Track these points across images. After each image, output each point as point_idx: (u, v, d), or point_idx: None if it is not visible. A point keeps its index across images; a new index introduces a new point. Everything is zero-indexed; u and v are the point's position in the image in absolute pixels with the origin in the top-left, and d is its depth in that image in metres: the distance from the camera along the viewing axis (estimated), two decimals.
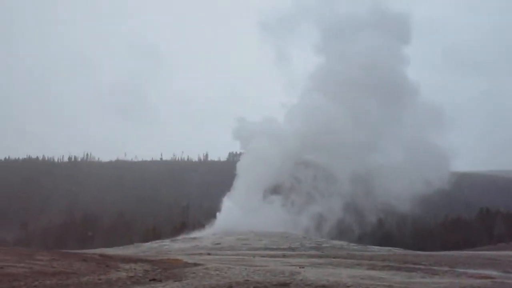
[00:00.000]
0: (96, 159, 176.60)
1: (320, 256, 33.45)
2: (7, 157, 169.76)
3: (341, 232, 66.04)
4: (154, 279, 17.43)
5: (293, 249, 45.55)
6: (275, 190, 68.51)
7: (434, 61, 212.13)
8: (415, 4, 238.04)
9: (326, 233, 64.30)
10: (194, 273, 19.24)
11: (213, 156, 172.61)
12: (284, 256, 33.70)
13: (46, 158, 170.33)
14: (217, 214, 67.03)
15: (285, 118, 74.33)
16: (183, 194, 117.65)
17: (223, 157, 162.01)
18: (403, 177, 66.77)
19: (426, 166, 68.08)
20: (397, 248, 53.84)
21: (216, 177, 75.30)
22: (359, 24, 74.97)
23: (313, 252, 42.27)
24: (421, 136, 72.61)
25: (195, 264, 22.90)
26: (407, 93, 73.11)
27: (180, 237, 61.80)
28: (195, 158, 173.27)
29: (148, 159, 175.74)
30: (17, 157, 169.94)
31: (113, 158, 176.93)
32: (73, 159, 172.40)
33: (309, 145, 70.32)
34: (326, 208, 67.09)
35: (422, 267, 24.98)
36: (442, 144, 72.63)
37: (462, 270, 23.76)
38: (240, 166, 69.55)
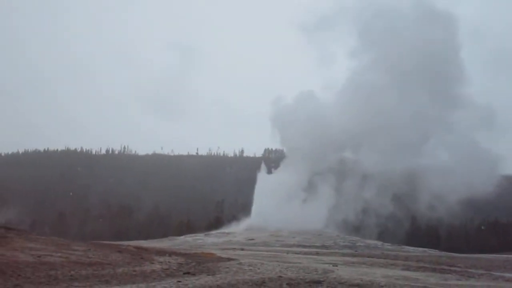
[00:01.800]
0: (133, 152, 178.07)
1: (353, 255, 33.29)
2: (46, 149, 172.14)
3: (378, 232, 65.56)
4: (188, 273, 17.54)
5: (326, 247, 45.41)
6: (312, 186, 67.72)
7: (482, 61, 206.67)
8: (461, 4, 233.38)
9: (360, 232, 63.77)
10: (227, 267, 19.31)
11: (248, 152, 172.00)
12: (317, 253, 33.65)
13: (84, 150, 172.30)
14: (252, 209, 66.99)
15: (329, 111, 72.55)
16: (218, 189, 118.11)
17: (259, 153, 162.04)
18: (449, 179, 65.47)
19: (473, 169, 66.43)
20: (432, 250, 53.26)
21: (251, 173, 74.99)
22: (405, 19, 73.29)
23: (346, 250, 42.07)
24: (470, 137, 70.69)
25: (229, 259, 22.99)
26: (460, 92, 71.17)
27: (214, 231, 62.05)
28: (230, 153, 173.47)
29: (184, 153, 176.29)
30: (56, 149, 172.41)
31: (150, 152, 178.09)
32: (110, 151, 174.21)
33: (353, 139, 69.39)
34: (363, 208, 66.19)
35: (458, 269, 24.67)
36: (492, 146, 71.13)
37: (498, 274, 23.39)
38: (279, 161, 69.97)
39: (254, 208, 66.20)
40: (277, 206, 61.57)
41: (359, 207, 66.10)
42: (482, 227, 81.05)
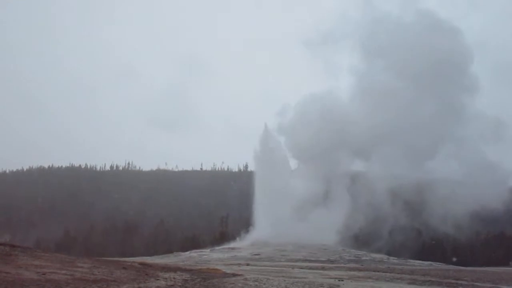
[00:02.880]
0: (138, 168, 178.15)
1: (359, 269, 33.14)
2: (50, 165, 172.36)
3: (382, 244, 65.22)
4: None
5: (332, 261, 45.25)
6: (316, 199, 67.05)
7: (490, 73, 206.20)
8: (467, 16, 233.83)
9: (364, 245, 63.45)
10: (233, 283, 19.24)
11: (253, 167, 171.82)
12: (323, 268, 33.50)
13: (89, 167, 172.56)
14: (255, 224, 66.64)
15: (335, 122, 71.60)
16: (222, 204, 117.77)
17: None
18: (458, 190, 65.09)
19: (482, 181, 66.00)
20: (438, 263, 52.99)
21: None
22: (411, 31, 72.87)
23: (352, 265, 41.91)
24: (479, 149, 70.09)
25: (234, 275, 22.92)
26: (469, 102, 70.68)
27: (219, 247, 61.87)
28: (235, 168, 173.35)
29: (189, 168, 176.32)
30: (60, 165, 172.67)
31: (154, 167, 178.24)
32: (114, 167, 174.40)
33: (362, 147, 68.68)
34: (369, 220, 65.62)
35: (464, 282, 24.54)
36: (500, 159, 70.70)
37: (505, 287, 23.26)
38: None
39: (258, 223, 65.86)
40: (282, 220, 61.12)
41: (366, 220, 65.66)
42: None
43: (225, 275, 22.86)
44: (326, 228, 61.47)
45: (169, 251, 65.38)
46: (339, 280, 22.22)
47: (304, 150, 68.88)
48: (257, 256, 47.96)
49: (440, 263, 53.56)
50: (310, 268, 33.24)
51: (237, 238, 68.91)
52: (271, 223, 61.40)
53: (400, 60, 69.58)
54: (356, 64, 76.32)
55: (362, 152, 69.25)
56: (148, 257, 53.31)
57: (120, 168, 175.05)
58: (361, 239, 65.73)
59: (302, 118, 70.77)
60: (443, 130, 68.79)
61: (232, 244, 64.36)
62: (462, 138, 69.87)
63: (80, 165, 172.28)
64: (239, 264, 35.24)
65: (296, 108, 73.53)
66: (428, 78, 68.80)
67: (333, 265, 40.46)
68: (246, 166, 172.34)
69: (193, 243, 76.27)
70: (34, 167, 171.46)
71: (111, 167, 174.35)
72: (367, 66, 72.89)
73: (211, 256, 49.51)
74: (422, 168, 68.31)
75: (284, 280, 20.68)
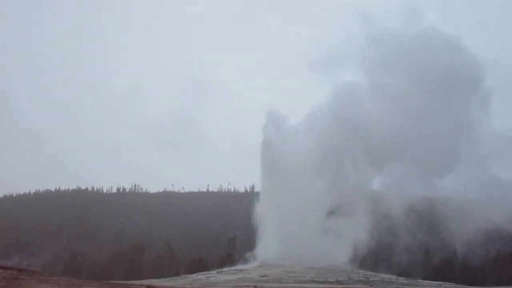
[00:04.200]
0: (144, 190, 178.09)
1: None
2: (57, 188, 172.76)
3: (390, 264, 64.65)
4: None
5: (340, 282, 44.88)
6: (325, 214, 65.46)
7: (501, 91, 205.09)
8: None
9: (371, 265, 62.73)
10: None
11: (259, 188, 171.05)
12: None
13: (95, 189, 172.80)
14: (261, 243, 65.55)
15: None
16: (229, 225, 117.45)
17: None
18: (469, 209, 64.39)
19: (494, 199, 65.23)
20: (448, 283, 52.52)
21: None
22: (417, 47, 71.91)
23: (360, 285, 41.69)
24: (492, 167, 69.16)
25: None
26: (481, 118, 69.83)
27: (227, 268, 61.34)
28: (241, 189, 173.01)
29: (195, 190, 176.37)
30: (67, 188, 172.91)
31: (161, 189, 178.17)
32: (121, 190, 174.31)
33: (371, 163, 67.09)
34: (379, 238, 64.48)
35: None
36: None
37: None
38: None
39: (264, 242, 64.65)
40: (290, 238, 59.69)
41: (376, 239, 64.70)
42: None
43: None
44: (335, 247, 60.19)
45: (176, 273, 65.04)
46: None
47: (313, 161, 66.97)
48: (265, 278, 47.54)
49: (450, 283, 53.08)
50: None
51: (245, 259, 68.18)
52: (279, 241, 60.20)
53: (409, 75, 68.80)
54: (362, 79, 75.00)
55: (374, 165, 68.08)
56: (156, 279, 52.98)
57: (127, 190, 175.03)
58: (371, 259, 65.15)
59: (312, 127, 68.97)
60: (455, 147, 67.95)
61: (239, 266, 63.77)
62: (474, 155, 69.07)
63: (87, 188, 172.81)
64: (247, 286, 35.06)
65: (305, 117, 71.69)
66: (439, 94, 68.13)
67: (341, 286, 40.26)
68: (253, 187, 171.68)
69: (200, 265, 75.92)
70: (41, 190, 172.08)
71: (118, 189, 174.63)
72: (375, 82, 71.81)
73: (219, 278, 49.11)
74: (434, 184, 67.55)
75: None
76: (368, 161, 65.90)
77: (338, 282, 45.36)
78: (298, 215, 60.15)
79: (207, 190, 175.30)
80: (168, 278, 54.84)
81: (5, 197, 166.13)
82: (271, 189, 65.87)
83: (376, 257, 65.84)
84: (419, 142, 66.00)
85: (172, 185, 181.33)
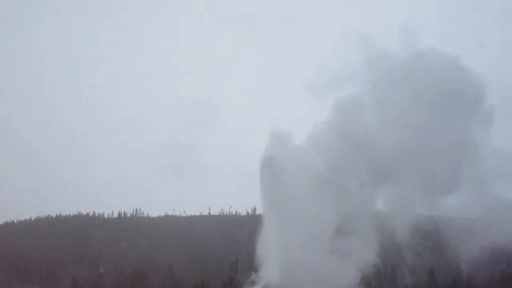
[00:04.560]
0: (145, 214, 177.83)
1: None
2: (58, 214, 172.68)
3: (395, 284, 64.08)
4: None
5: None
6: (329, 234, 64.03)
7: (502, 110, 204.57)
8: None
9: (377, 286, 62.09)
10: None
11: (261, 211, 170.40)
12: None
13: (97, 214, 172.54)
14: (264, 268, 64.33)
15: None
16: (231, 249, 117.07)
17: None
18: (473, 229, 63.81)
19: (498, 220, 64.62)
20: None
21: None
22: (418, 67, 71.45)
23: None
24: (496, 186, 68.51)
25: None
26: (484, 137, 69.34)
27: None
28: (243, 212, 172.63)
29: (197, 213, 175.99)
30: (68, 214, 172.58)
31: (162, 213, 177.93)
32: (122, 214, 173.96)
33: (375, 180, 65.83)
34: (384, 259, 63.26)
35: None
36: None
37: None
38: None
39: (266, 267, 63.24)
40: (293, 262, 58.46)
41: (381, 259, 63.79)
42: None
43: None
44: (340, 268, 58.87)
45: None
46: None
47: (315, 179, 65.31)
48: None
49: None
50: None
51: (252, 282, 67.22)
52: (282, 264, 58.83)
53: (410, 94, 68.27)
54: (364, 96, 74.23)
55: (378, 184, 67.26)
56: None
57: (128, 215, 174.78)
58: (376, 280, 64.52)
59: (314, 144, 67.53)
60: (458, 166, 67.30)
61: None
62: (476, 174, 68.48)
63: (88, 213, 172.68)
64: None
65: (307, 135, 70.35)
66: (441, 113, 67.65)
67: None
68: (254, 210, 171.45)
69: None
70: (42, 216, 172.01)
71: (119, 214, 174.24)
72: (377, 98, 71.29)
73: None
74: (437, 204, 67.00)
75: None
76: (373, 179, 65.06)
77: None
78: (301, 236, 58.69)
79: (209, 213, 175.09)
80: None
81: (6, 223, 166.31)
82: (272, 210, 64.68)
83: (381, 278, 65.18)
84: (421, 161, 65.48)
85: (174, 209, 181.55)
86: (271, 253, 59.49)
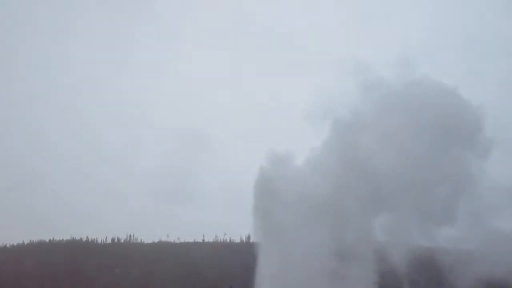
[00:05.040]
0: (139, 240, 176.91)
1: None
2: (51, 239, 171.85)
3: None
4: None
5: None
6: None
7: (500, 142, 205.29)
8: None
9: None
10: None
11: (254, 237, 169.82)
12: None
13: (90, 240, 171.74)
14: None
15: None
16: (226, 276, 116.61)
17: None
18: (467, 262, 63.57)
19: (493, 252, 64.36)
20: None
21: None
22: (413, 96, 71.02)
23: None
24: (492, 219, 68.33)
25: None
26: (481, 169, 69.16)
27: None
28: (237, 239, 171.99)
29: (191, 240, 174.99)
30: (61, 239, 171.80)
31: (156, 240, 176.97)
32: (116, 240, 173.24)
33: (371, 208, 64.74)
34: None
35: None
36: None
37: None
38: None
39: None
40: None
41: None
42: None
43: None
44: None
45: None
46: None
47: (312, 203, 63.52)
48: None
49: None
50: None
51: None
52: None
53: (408, 120, 68.22)
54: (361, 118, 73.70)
55: (376, 210, 66.67)
56: None
57: (122, 240, 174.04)
58: None
59: (313, 165, 66.14)
60: (454, 197, 67.11)
61: None
62: (473, 206, 68.33)
63: (81, 238, 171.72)
64: None
65: (306, 158, 68.93)
66: (438, 143, 67.61)
67: None
68: (249, 237, 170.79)
69: None
70: (35, 241, 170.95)
71: (113, 239, 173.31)
72: (374, 122, 70.97)
73: None
74: (433, 235, 66.86)
75: None
76: (371, 205, 64.43)
77: None
78: (298, 262, 57.63)
79: (203, 240, 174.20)
80: None
81: None
82: (268, 235, 63.38)
83: None
84: (419, 189, 65.41)
85: (168, 236, 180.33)
86: (267, 280, 58.84)
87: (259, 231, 63.92)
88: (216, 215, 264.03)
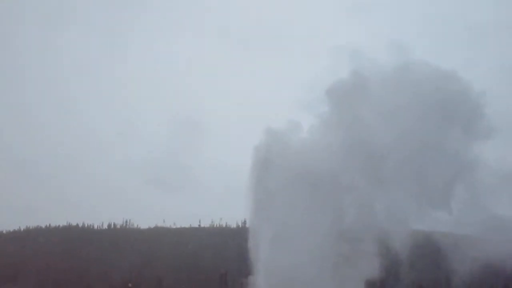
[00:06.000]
0: (135, 226, 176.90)
1: None
2: (48, 225, 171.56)
3: None
4: None
5: None
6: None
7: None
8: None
9: None
10: None
11: (250, 224, 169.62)
12: None
13: (86, 225, 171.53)
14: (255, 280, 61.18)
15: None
16: (221, 261, 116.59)
17: None
18: (463, 246, 63.17)
19: (488, 237, 63.84)
20: None
21: None
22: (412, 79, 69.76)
23: None
24: (491, 203, 67.63)
25: None
26: (481, 152, 68.39)
27: None
28: (233, 225, 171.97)
29: (187, 225, 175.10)
30: (57, 225, 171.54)
31: (152, 225, 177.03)
32: (112, 226, 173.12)
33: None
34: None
35: None
36: None
37: None
38: None
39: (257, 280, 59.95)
40: (286, 275, 55.31)
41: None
42: None
43: None
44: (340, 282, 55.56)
45: None
46: None
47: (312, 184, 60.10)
48: None
49: None
50: None
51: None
52: (275, 277, 55.69)
53: (406, 99, 67.10)
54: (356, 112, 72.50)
55: (376, 190, 65.06)
56: None
57: (118, 226, 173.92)
58: None
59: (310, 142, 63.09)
60: (452, 180, 66.23)
61: None
62: (470, 190, 67.68)
63: (77, 224, 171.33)
64: None
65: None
66: (436, 125, 66.64)
67: None
68: (245, 222, 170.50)
69: None
70: (31, 227, 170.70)
71: (109, 225, 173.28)
72: (372, 98, 69.55)
73: None
74: (431, 218, 66.19)
75: None
76: (370, 182, 62.38)
77: None
78: (295, 247, 55.57)
79: (199, 225, 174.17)
80: None
81: None
82: (264, 219, 60.98)
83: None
84: (415, 168, 64.47)
85: (164, 221, 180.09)
86: (262, 266, 57.01)
87: (255, 212, 61.72)
88: (212, 201, 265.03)
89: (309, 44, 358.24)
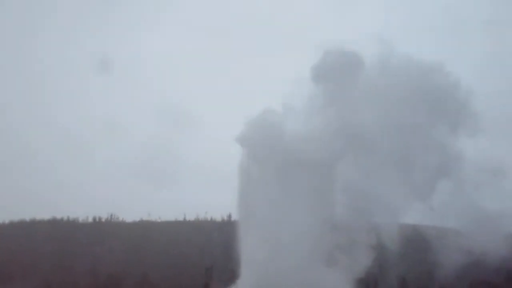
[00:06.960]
0: (121, 219, 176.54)
1: None
2: (32, 218, 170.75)
3: None
4: None
5: None
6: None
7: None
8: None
9: None
10: None
11: (236, 217, 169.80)
12: None
13: (71, 219, 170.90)
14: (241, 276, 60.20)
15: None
16: (207, 255, 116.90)
17: None
18: (447, 239, 63.44)
19: (473, 230, 63.91)
20: None
21: None
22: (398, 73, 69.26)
23: None
24: (477, 197, 67.66)
25: None
26: (467, 146, 68.21)
27: None
28: (218, 218, 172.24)
29: (172, 219, 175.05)
30: (42, 218, 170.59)
31: (137, 219, 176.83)
32: (97, 219, 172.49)
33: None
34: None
35: None
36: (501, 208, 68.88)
37: None
38: None
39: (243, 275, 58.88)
40: (273, 269, 54.33)
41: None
42: None
43: None
44: (328, 275, 54.51)
45: None
46: None
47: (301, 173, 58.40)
48: None
49: None
50: None
51: None
52: (261, 271, 54.66)
53: (393, 90, 66.67)
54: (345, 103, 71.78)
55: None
56: None
57: (103, 219, 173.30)
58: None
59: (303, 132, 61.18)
60: (437, 174, 66.14)
61: None
62: (456, 184, 67.83)
63: (62, 218, 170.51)
64: None
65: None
66: (422, 118, 66.46)
67: None
68: (230, 216, 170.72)
69: None
70: (15, 221, 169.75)
71: (94, 219, 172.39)
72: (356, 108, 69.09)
73: None
74: (415, 211, 66.25)
75: None
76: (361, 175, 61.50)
77: None
78: (282, 240, 54.33)
79: (184, 219, 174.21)
80: None
81: None
82: (250, 209, 59.50)
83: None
84: (404, 164, 64.43)
85: (149, 214, 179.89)
86: (248, 259, 55.87)
87: (242, 203, 60.04)
88: (197, 194, 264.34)
89: (295, 38, 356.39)
